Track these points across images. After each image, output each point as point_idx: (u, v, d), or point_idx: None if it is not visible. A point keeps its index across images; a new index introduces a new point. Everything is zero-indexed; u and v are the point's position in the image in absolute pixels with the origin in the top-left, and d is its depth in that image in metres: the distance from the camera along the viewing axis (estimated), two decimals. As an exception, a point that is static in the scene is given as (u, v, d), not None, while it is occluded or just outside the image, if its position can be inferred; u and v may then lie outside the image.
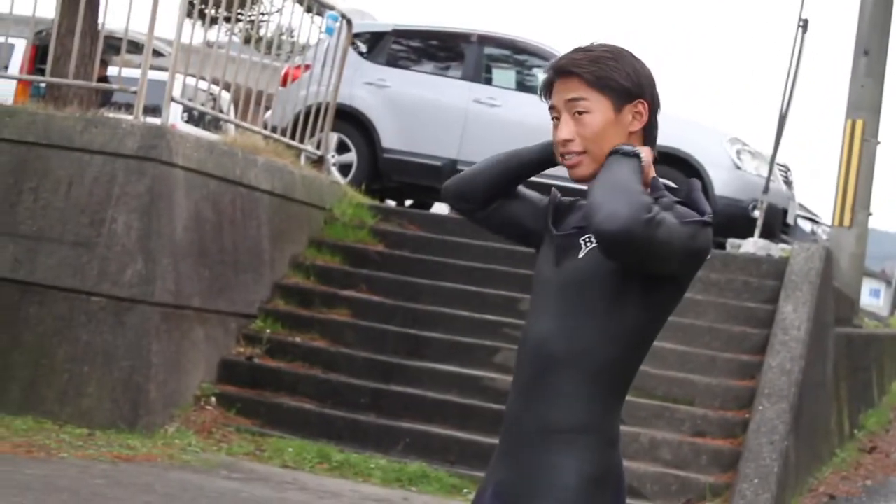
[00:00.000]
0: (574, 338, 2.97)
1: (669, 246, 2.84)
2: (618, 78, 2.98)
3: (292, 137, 12.14)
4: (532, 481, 2.97)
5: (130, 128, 9.50)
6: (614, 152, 2.94)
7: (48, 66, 10.54)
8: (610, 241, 2.78)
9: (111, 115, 10.16)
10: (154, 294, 9.30)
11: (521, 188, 3.25)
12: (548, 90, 3.08)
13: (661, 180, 3.06)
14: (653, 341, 3.05)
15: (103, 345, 9.19)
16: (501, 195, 3.24)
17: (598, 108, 2.98)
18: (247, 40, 14.06)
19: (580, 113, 2.99)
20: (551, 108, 3.07)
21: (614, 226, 2.75)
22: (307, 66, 13.19)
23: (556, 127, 3.07)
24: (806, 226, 19.27)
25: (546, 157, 3.17)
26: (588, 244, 2.99)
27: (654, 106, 3.05)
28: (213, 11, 12.17)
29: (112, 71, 14.50)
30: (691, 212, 2.94)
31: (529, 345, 3.04)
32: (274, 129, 12.05)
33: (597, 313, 2.96)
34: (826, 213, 18.87)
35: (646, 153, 2.98)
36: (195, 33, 13.69)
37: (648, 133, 3.06)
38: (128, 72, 11.12)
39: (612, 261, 2.88)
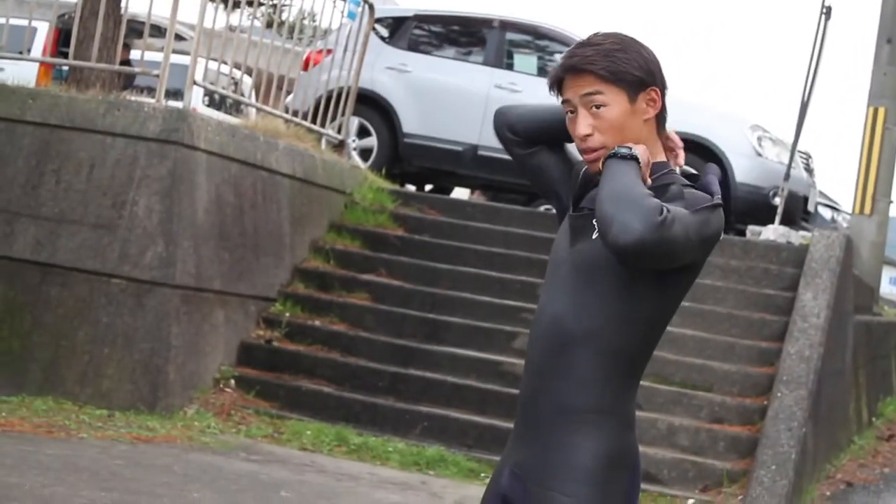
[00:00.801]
0: (589, 317, 2.99)
1: (686, 241, 2.85)
2: (631, 69, 2.99)
3: (313, 122, 12.17)
4: (549, 461, 3.00)
5: (152, 111, 9.53)
6: (611, 156, 2.94)
7: (71, 49, 10.58)
8: (627, 254, 2.80)
9: (133, 98, 10.18)
10: (174, 277, 9.34)
11: (569, 147, 3.23)
12: (558, 85, 3.08)
13: (685, 167, 3.08)
14: (667, 324, 3.07)
15: (123, 327, 9.23)
16: (546, 141, 3.22)
17: (614, 101, 2.99)
18: (269, 24, 14.08)
19: (598, 107, 3.00)
20: (565, 101, 3.07)
21: (629, 238, 2.77)
22: (329, 51, 13.21)
23: (571, 121, 3.07)
24: (826, 213, 19.24)
25: None
26: None
27: (664, 90, 3.07)
28: (234, -5, 12.20)
29: (134, 54, 14.54)
30: (702, 195, 2.96)
31: (544, 324, 3.06)
32: (295, 114, 12.08)
33: (611, 295, 2.98)
34: (847, 201, 18.84)
35: (641, 152, 2.96)
36: (217, 17, 13.72)
37: (661, 117, 3.07)
38: (149, 55, 11.15)
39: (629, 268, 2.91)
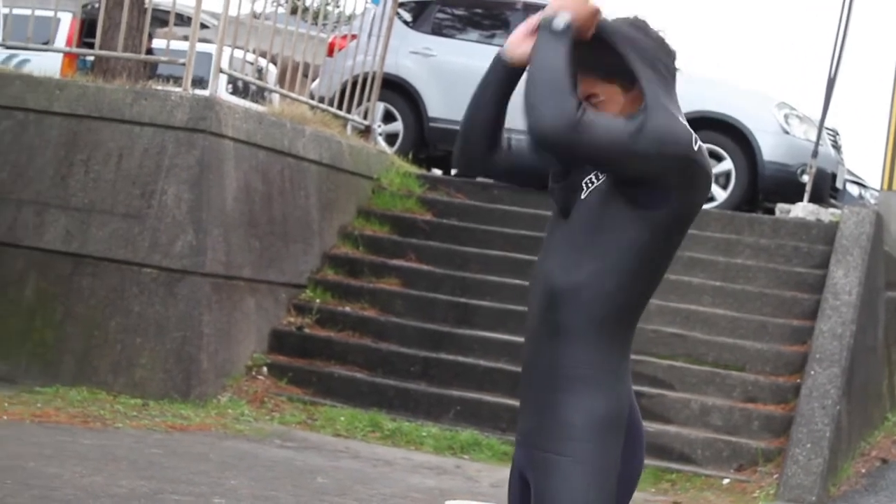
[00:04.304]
0: (575, 272, 2.98)
1: (607, 146, 2.85)
2: (618, 63, 2.98)
3: (339, 107, 12.16)
4: (544, 423, 2.99)
5: (180, 100, 9.53)
6: (542, 27, 2.93)
7: (97, 39, 10.58)
8: (538, 144, 2.88)
9: (160, 87, 10.19)
10: (205, 265, 9.35)
11: None
12: None
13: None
14: (660, 276, 3.05)
15: (155, 316, 9.25)
16: (496, 129, 3.16)
17: (609, 99, 3.02)
18: (293, 11, 14.06)
19: (597, 106, 3.02)
20: None
21: (539, 132, 2.84)
22: (353, 36, 13.20)
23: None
24: (854, 190, 19.15)
25: (505, 67, 3.09)
26: (589, 185, 3.02)
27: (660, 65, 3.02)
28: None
29: (156, 43, 14.55)
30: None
31: (535, 284, 3.08)
32: (321, 100, 12.07)
33: (598, 248, 2.98)
34: (874, 178, 18.75)
35: (575, 8, 2.93)
36: (242, 4, 13.71)
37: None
38: (172, 44, 11.15)
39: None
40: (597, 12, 2.97)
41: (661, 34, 3.06)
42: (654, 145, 2.88)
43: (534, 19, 2.99)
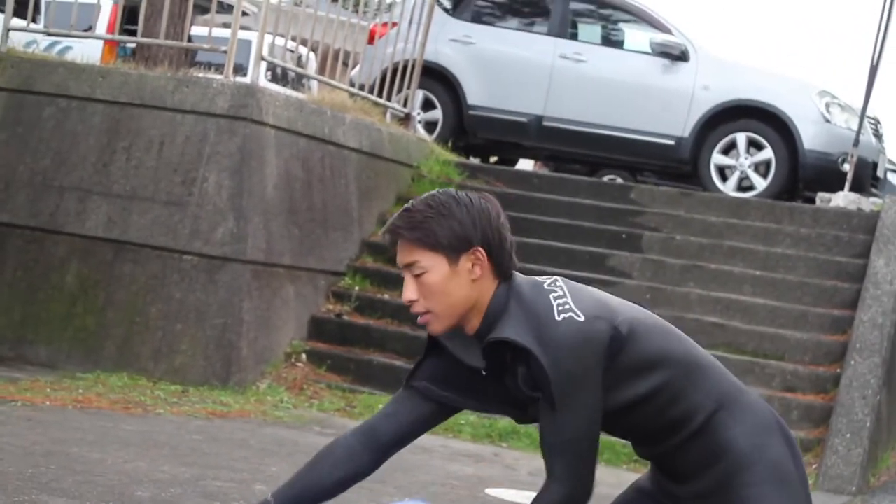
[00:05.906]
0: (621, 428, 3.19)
1: (592, 433, 3.09)
2: (443, 236, 3.00)
3: (378, 95, 12.17)
4: (714, 468, 3.10)
5: (221, 87, 9.57)
6: None
7: (139, 26, 10.63)
8: None
9: (201, 74, 10.24)
10: (245, 252, 9.39)
11: (409, 393, 3.39)
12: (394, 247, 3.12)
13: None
14: (672, 331, 3.14)
15: (196, 303, 9.30)
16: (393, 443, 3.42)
17: (432, 267, 3.01)
18: (333, -2, 14.10)
19: (419, 275, 3.02)
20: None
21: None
22: (394, 24, 13.21)
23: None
24: (894, 179, 19.04)
25: None
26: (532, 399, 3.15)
27: (493, 245, 3.05)
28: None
29: (195, 31, 14.60)
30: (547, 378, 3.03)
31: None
32: (361, 87, 12.09)
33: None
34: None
35: None
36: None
37: (499, 268, 3.07)
38: (204, 31, 11.19)
39: None
40: None
41: (480, 205, 3.09)
42: (593, 355, 3.00)
43: None
